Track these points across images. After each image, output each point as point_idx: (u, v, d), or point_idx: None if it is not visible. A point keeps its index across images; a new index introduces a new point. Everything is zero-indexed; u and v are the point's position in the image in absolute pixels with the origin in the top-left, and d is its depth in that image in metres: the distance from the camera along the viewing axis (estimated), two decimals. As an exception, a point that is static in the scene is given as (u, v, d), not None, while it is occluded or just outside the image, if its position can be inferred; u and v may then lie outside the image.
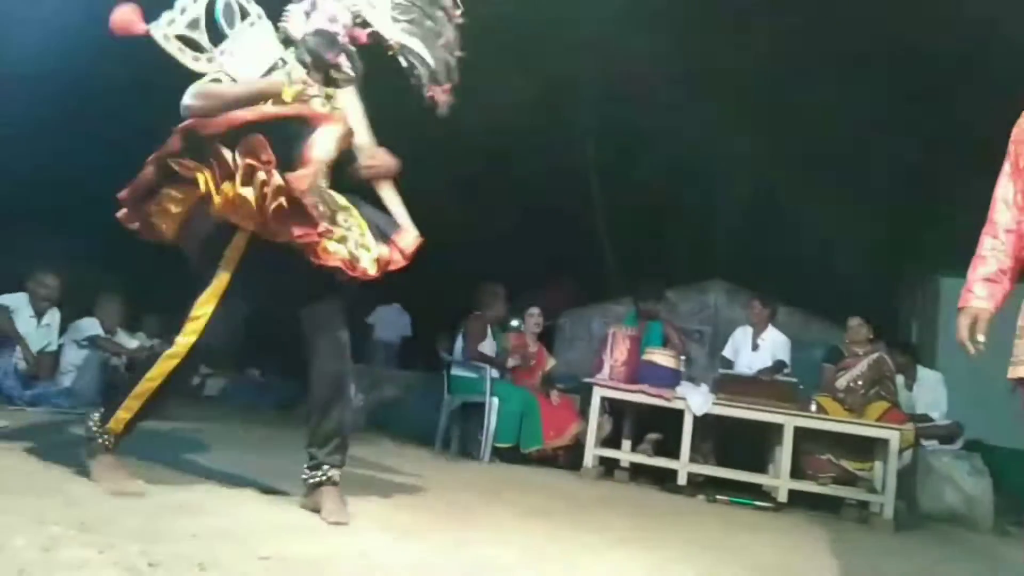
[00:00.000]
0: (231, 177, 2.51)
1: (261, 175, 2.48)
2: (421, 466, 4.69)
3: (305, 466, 2.72)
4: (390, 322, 10.89)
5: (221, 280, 2.60)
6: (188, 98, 2.56)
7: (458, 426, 5.76)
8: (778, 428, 4.96)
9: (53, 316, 5.76)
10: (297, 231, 2.50)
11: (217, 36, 2.69)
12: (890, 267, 12.26)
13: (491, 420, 5.41)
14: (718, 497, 4.88)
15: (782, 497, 4.80)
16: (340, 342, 2.79)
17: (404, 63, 2.94)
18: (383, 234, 2.76)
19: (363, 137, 2.91)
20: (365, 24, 2.86)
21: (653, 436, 5.40)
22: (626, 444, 5.42)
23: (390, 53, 2.92)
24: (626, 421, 5.49)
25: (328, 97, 2.80)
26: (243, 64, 2.69)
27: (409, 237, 2.82)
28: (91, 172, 5.58)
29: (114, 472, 2.59)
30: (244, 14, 2.74)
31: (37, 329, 5.63)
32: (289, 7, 2.82)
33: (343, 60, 2.80)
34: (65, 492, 2.36)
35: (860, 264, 13.25)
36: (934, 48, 9.63)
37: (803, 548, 3.57)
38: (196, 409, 5.98)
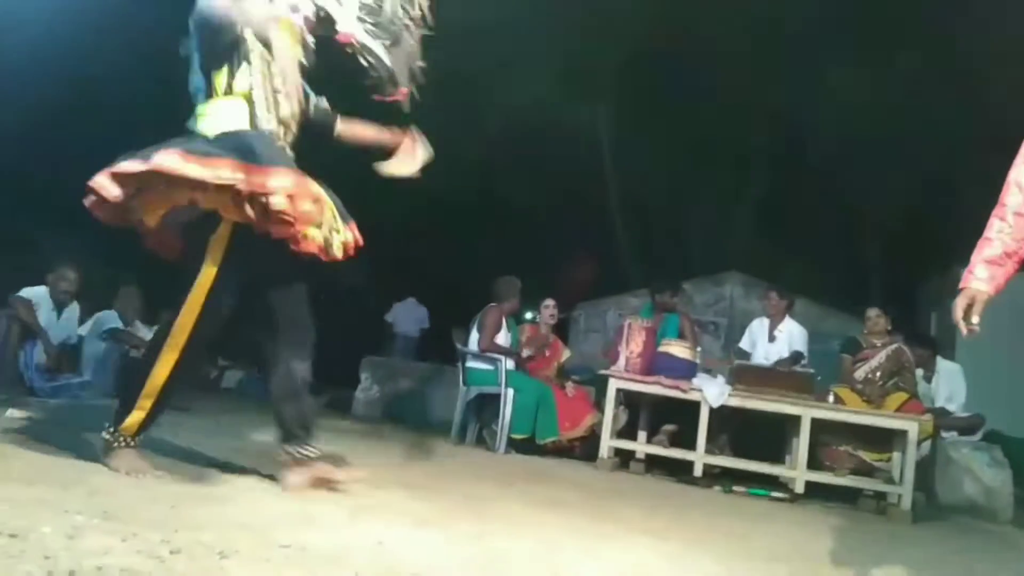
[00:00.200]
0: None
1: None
2: (437, 457, 4.71)
3: (290, 447, 2.82)
4: (407, 316, 10.99)
5: (209, 269, 2.62)
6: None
7: (474, 417, 5.79)
8: (795, 419, 4.94)
9: (73, 309, 5.84)
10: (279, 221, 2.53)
11: None
12: (909, 258, 12.15)
13: (507, 411, 5.42)
14: (734, 488, 4.87)
15: (799, 488, 4.78)
16: (310, 336, 2.90)
17: (363, 63, 2.99)
18: (343, 216, 2.82)
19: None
20: (328, 19, 2.90)
21: (669, 428, 5.40)
22: (642, 435, 5.42)
23: (349, 51, 2.97)
24: (642, 412, 5.49)
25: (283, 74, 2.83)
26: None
27: (355, 229, 2.86)
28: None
29: (133, 460, 2.66)
30: None
31: (58, 322, 5.71)
32: None
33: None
34: (87, 482, 2.40)
35: (879, 256, 13.15)
36: (952, 37, 9.52)
37: (820, 538, 3.56)
38: (214, 401, 6.06)
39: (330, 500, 2.67)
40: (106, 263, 7.02)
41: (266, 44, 2.78)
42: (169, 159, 2.46)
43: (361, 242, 2.84)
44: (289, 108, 2.81)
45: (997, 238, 2.26)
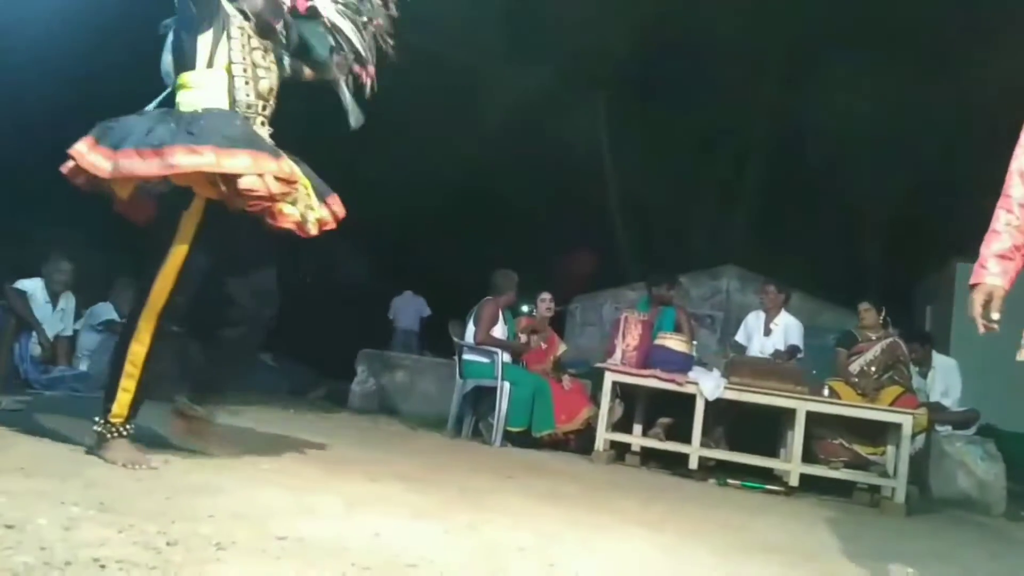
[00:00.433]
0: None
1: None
2: (433, 450, 4.72)
3: (187, 399, 2.98)
4: (406, 309, 11.02)
5: (182, 243, 2.69)
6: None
7: (470, 410, 5.79)
8: (790, 412, 4.96)
9: (68, 301, 5.82)
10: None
11: None
12: (905, 253, 12.18)
13: (503, 404, 5.43)
14: (729, 481, 4.89)
15: (793, 481, 4.80)
16: (268, 318, 3.04)
17: (332, 42, 3.10)
18: (320, 194, 2.91)
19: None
20: None
21: (664, 420, 5.41)
22: (637, 429, 5.43)
23: (321, 30, 3.07)
24: (638, 406, 5.50)
25: (265, 50, 2.92)
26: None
27: (338, 202, 2.98)
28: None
29: (129, 451, 2.66)
30: None
31: (53, 314, 5.69)
32: None
33: (281, 27, 2.97)
34: (83, 474, 2.40)
35: (875, 250, 13.18)
36: (950, 28, 9.52)
37: (815, 531, 3.58)
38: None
39: (327, 492, 2.67)
40: (101, 255, 7.00)
41: (247, 18, 2.87)
42: (132, 163, 2.53)
43: (342, 215, 2.93)
44: (268, 82, 2.90)
45: (1005, 231, 2.25)
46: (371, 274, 14.34)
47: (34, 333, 5.47)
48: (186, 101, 2.77)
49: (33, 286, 5.64)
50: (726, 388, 5.00)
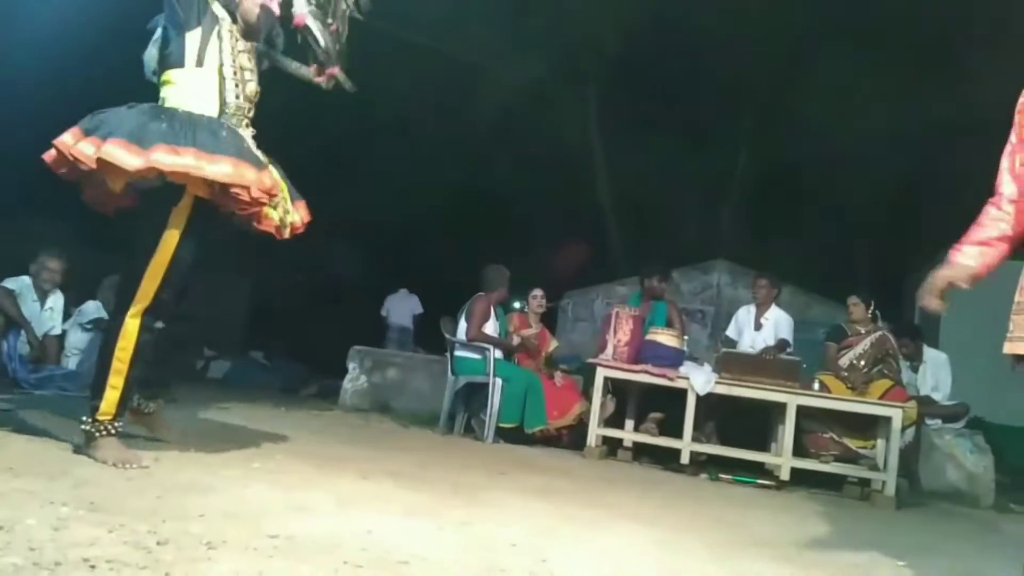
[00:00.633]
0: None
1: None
2: (426, 447, 4.72)
3: (138, 397, 3.00)
4: (400, 307, 11.04)
5: (172, 237, 2.72)
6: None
7: (462, 407, 5.79)
8: (781, 407, 4.98)
9: (56, 300, 5.78)
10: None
11: None
12: (895, 247, 12.24)
13: (495, 401, 5.43)
14: (721, 476, 4.90)
15: (784, 475, 4.82)
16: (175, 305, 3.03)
17: (299, 40, 3.17)
18: (293, 197, 2.99)
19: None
20: (288, 3, 3.07)
21: (656, 415, 5.43)
22: (629, 424, 5.44)
23: (292, 27, 3.14)
24: (629, 401, 5.51)
25: (250, 53, 2.99)
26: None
27: (305, 207, 3.05)
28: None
29: (118, 450, 2.65)
30: None
31: (41, 313, 5.65)
32: None
33: (274, 33, 3.07)
34: (73, 474, 2.39)
35: (865, 244, 13.23)
36: (940, 21, 9.56)
37: (805, 524, 3.60)
38: (201, 391, 6.02)
39: (319, 489, 2.67)
40: (89, 253, 6.96)
41: (235, 22, 2.92)
42: (116, 154, 2.53)
43: (307, 220, 3.00)
44: (254, 85, 2.97)
45: (991, 224, 2.28)
46: (363, 272, 14.32)
47: (22, 332, 5.43)
48: (172, 97, 2.80)
49: (21, 284, 5.59)
50: (717, 383, 5.02)
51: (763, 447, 5.33)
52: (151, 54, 2.92)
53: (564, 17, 10.62)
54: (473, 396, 5.74)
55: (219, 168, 2.61)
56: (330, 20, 3.18)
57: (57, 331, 5.77)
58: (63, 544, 1.67)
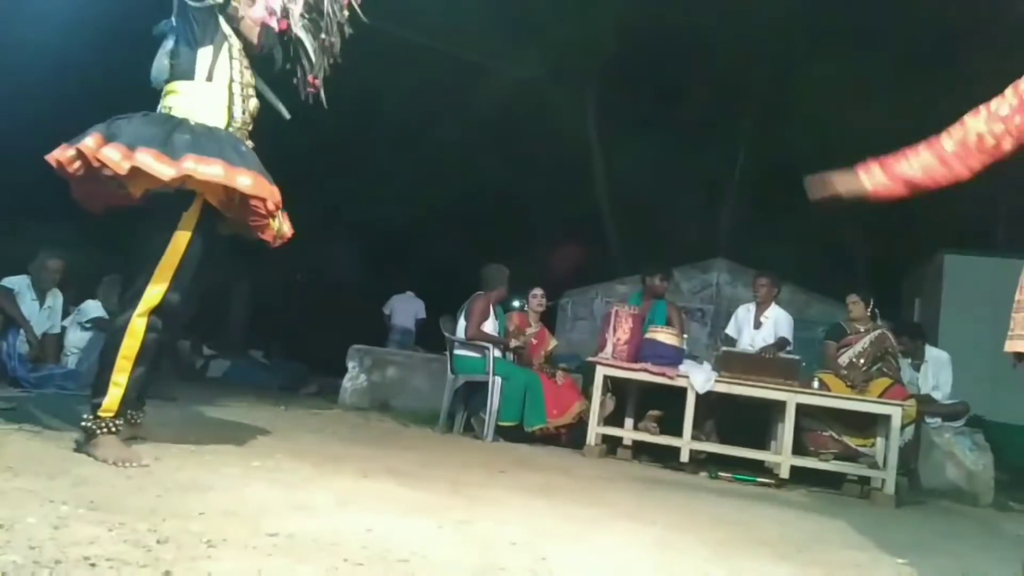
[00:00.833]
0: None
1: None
2: (425, 445, 4.72)
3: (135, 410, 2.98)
4: (404, 309, 11.06)
5: (180, 240, 2.78)
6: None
7: (462, 405, 5.79)
8: (780, 405, 4.98)
9: (55, 299, 5.78)
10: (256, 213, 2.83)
11: None
12: (893, 245, 12.24)
13: (494, 399, 5.43)
14: (720, 474, 4.91)
15: (784, 473, 4.82)
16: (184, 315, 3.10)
17: (291, 52, 3.24)
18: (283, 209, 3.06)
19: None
20: (286, 14, 3.15)
21: (655, 413, 5.43)
22: (629, 422, 5.45)
23: (285, 38, 3.21)
24: (629, 399, 5.51)
25: (252, 70, 3.07)
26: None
27: (288, 219, 3.13)
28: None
29: (119, 448, 2.65)
30: None
31: (40, 312, 5.65)
32: None
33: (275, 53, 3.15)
34: (73, 472, 2.39)
35: (864, 243, 13.23)
36: (940, 20, 9.55)
37: (805, 522, 3.60)
38: (200, 390, 6.03)
39: (318, 488, 2.67)
40: (87, 252, 6.96)
41: (244, 41, 3.01)
42: (149, 164, 2.60)
43: (292, 234, 3.11)
44: (255, 101, 3.07)
45: (911, 154, 2.38)
46: (362, 272, 14.32)
47: (22, 331, 5.43)
48: (178, 107, 2.87)
49: (20, 283, 5.60)
50: (716, 381, 5.02)
51: (763, 445, 5.33)
52: (163, 65, 2.95)
53: (564, 16, 10.62)
54: (473, 395, 5.74)
55: (244, 180, 2.71)
56: (324, 35, 3.25)
57: (56, 330, 5.77)
58: (63, 543, 1.67)
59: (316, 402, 7.03)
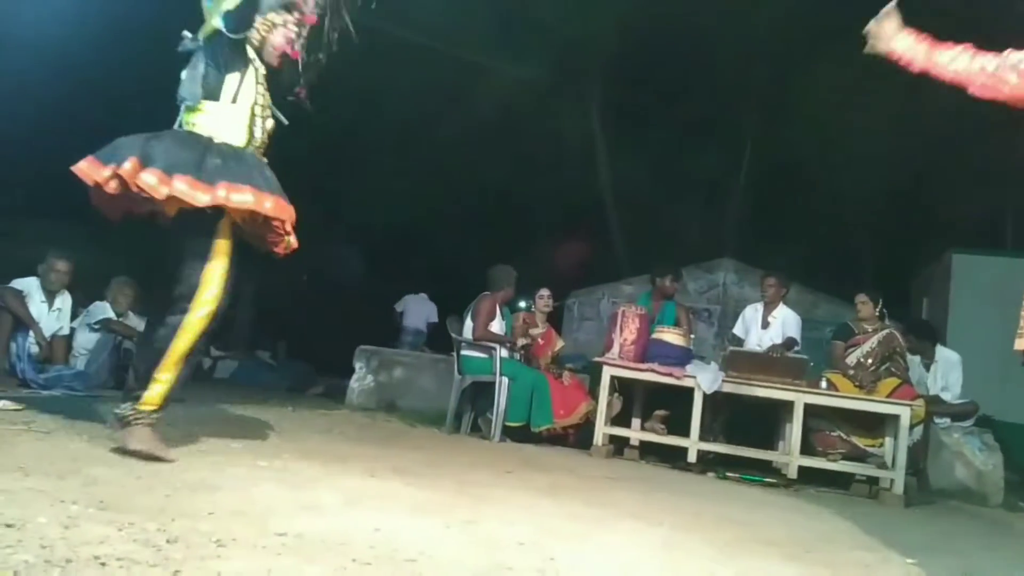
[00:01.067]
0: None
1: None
2: (432, 445, 4.72)
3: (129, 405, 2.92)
4: (416, 310, 11.06)
5: (222, 243, 2.92)
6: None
7: (469, 406, 5.79)
8: (788, 405, 4.97)
9: (64, 300, 5.80)
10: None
11: None
12: (901, 245, 12.19)
13: (501, 400, 5.44)
14: (728, 474, 4.90)
15: (792, 473, 4.81)
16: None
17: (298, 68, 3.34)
18: None
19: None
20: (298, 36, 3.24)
21: (661, 413, 5.43)
22: (636, 423, 5.44)
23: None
24: (636, 400, 5.51)
25: (269, 93, 3.19)
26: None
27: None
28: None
29: (150, 439, 2.74)
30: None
31: (49, 313, 5.67)
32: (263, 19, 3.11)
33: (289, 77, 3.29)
34: (83, 473, 2.40)
35: (872, 242, 13.19)
36: (941, 18, 9.51)
37: (813, 523, 3.59)
38: (208, 391, 6.04)
39: (326, 488, 2.68)
40: (96, 253, 6.98)
41: (264, 66, 3.13)
42: (186, 192, 2.74)
43: (296, 246, 3.20)
44: (271, 122, 3.19)
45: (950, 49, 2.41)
46: (368, 273, 14.35)
47: (31, 332, 5.45)
48: (202, 125, 2.99)
49: (29, 285, 5.62)
50: (724, 381, 5.01)
51: (770, 446, 5.32)
52: (197, 92, 3.02)
53: (568, 16, 10.62)
54: (480, 395, 5.75)
55: (268, 204, 2.90)
56: (321, 55, 3.37)
57: (65, 331, 5.79)
58: (74, 542, 1.68)
59: (323, 403, 7.04)
